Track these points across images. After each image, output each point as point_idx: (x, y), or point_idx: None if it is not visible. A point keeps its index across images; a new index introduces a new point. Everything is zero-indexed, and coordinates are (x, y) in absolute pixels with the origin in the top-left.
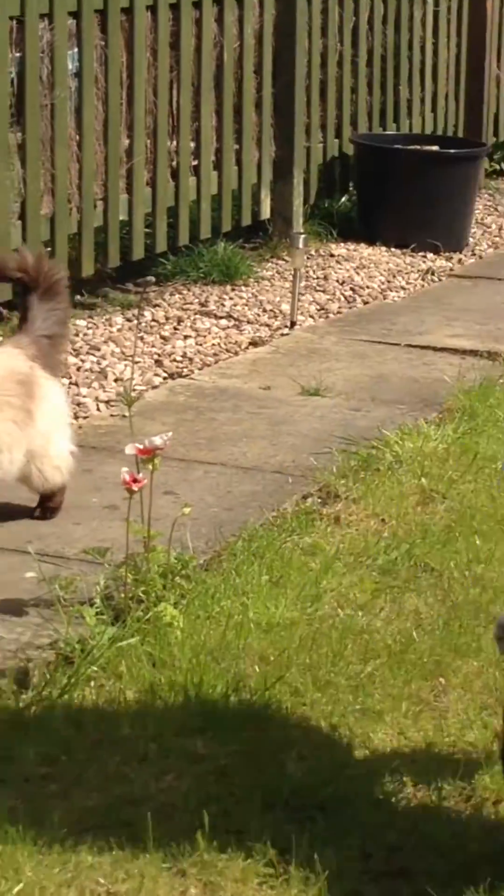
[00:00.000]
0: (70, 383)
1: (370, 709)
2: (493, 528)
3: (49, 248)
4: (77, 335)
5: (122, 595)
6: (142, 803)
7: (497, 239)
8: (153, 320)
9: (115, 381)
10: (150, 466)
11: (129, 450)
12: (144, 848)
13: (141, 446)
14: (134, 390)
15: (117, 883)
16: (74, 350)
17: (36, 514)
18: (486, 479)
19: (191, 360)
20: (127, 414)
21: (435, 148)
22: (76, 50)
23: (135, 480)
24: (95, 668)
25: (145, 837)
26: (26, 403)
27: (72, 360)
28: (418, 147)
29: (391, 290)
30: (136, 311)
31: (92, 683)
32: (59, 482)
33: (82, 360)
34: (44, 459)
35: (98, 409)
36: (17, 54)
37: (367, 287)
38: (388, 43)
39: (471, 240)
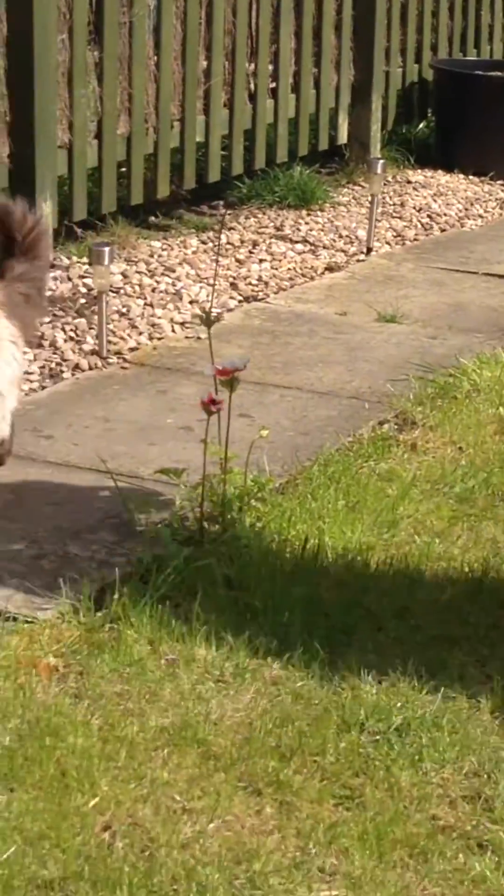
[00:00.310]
0: (145, 304)
1: (447, 635)
2: None
3: (124, 169)
4: (152, 256)
5: (198, 516)
6: (218, 723)
7: None
8: (228, 243)
9: (191, 303)
10: (229, 388)
11: (209, 370)
12: (220, 767)
13: (220, 367)
14: (207, 312)
15: (193, 800)
16: (149, 271)
17: None
18: None
19: (266, 283)
20: (202, 336)
21: None
22: None
23: (213, 402)
24: (170, 588)
25: (221, 756)
26: None
27: (146, 280)
28: (499, 73)
29: (469, 219)
30: (211, 234)
31: (167, 602)
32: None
33: (157, 282)
34: None
35: (173, 331)
36: None
37: (445, 215)
38: None
39: None
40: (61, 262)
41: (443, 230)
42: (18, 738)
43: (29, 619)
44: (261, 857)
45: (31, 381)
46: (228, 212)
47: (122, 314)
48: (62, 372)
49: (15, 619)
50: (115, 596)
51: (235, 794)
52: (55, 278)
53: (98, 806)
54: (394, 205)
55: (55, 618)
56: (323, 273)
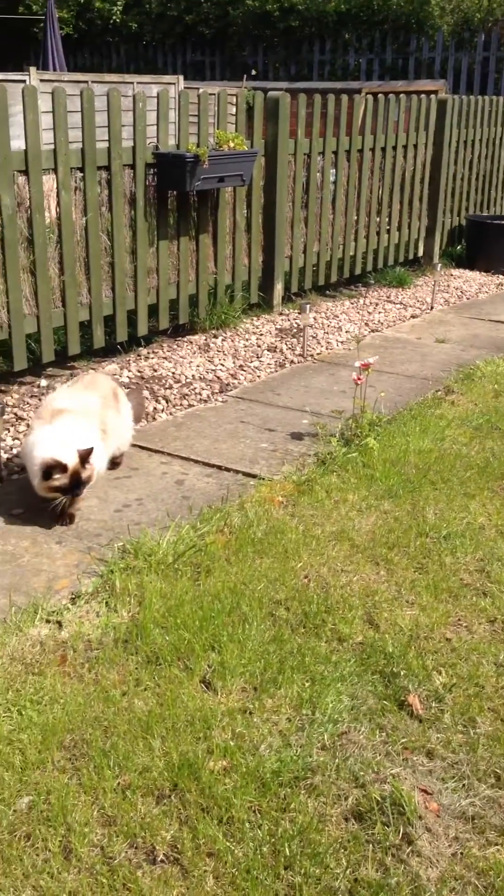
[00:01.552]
0: (323, 333)
1: (468, 493)
2: None
3: (314, 265)
4: (327, 310)
5: (350, 432)
6: (358, 530)
7: None
8: (364, 303)
9: (345, 332)
10: (366, 373)
11: (357, 364)
12: (359, 551)
13: (362, 362)
14: (357, 337)
15: (346, 566)
16: (326, 317)
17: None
18: None
19: (382, 323)
20: (352, 348)
21: None
22: (334, 170)
23: (358, 378)
24: (336, 466)
25: (360, 546)
26: (116, 404)
27: (324, 321)
28: (499, 222)
29: (481, 293)
30: (355, 299)
31: (334, 474)
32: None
33: (329, 322)
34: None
35: (336, 346)
36: (305, 172)
37: (468, 291)
38: (489, 156)
39: None
40: (287, 312)
41: (468, 299)
42: (265, 534)
43: (270, 479)
44: (378, 594)
45: (271, 369)
46: (364, 289)
47: (313, 337)
48: (285, 364)
49: (263, 479)
50: (310, 469)
51: (366, 565)
52: (285, 319)
53: (301, 566)
54: (445, 286)
55: (282, 478)
56: (409, 319)
